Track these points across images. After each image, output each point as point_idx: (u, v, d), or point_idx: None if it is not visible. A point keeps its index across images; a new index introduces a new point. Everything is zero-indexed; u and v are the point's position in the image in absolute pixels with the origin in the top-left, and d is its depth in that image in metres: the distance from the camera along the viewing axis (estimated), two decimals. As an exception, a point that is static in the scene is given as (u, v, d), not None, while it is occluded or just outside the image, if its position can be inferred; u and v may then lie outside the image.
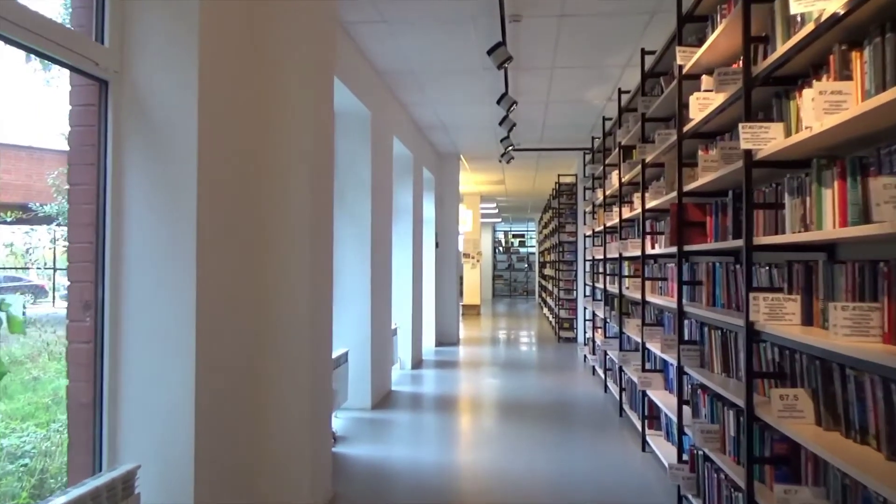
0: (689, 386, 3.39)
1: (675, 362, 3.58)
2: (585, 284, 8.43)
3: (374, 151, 5.66)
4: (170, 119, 2.59)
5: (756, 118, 2.66)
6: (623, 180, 5.30)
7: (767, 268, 2.61)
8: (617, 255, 5.60)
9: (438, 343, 9.91)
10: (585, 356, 8.31)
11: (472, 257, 15.97)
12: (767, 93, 2.55)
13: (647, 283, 4.48)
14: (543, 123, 7.87)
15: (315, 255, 3.24)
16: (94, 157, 2.59)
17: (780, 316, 2.25)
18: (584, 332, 8.40)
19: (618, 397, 5.50)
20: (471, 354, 9.08)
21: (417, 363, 8.08)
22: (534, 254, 23.92)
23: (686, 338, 3.50)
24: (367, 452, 4.43)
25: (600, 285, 6.81)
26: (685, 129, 3.41)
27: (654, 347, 4.13)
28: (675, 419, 3.61)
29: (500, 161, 9.88)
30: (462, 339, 10.80)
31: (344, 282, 5.50)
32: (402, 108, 7.02)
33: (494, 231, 24.91)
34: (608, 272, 6.42)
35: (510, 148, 7.62)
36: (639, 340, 4.58)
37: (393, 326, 7.41)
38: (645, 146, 4.33)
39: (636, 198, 4.69)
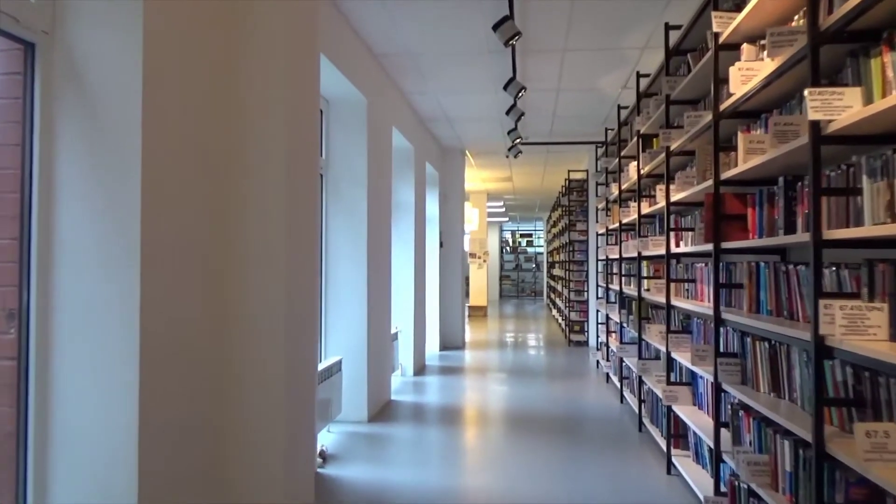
0: (729, 406, 2.93)
1: (709, 377, 3.11)
2: (598, 286, 7.96)
3: (371, 142, 5.22)
4: (109, 90, 2.15)
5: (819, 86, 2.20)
6: (642, 172, 4.83)
7: (834, 269, 2.14)
8: (635, 255, 5.14)
9: (443, 347, 9.46)
10: (598, 362, 7.83)
11: (479, 257, 15.51)
12: (836, 53, 2.09)
13: (671, 286, 4.02)
14: (553, 114, 7.41)
15: (292, 254, 2.80)
16: (19, 137, 2.16)
17: (861, 329, 1.79)
18: (597, 337, 7.94)
19: (637, 410, 5.03)
20: (477, 359, 8.62)
21: (420, 369, 7.63)
22: (542, 254, 23.46)
23: (723, 349, 3.04)
24: (360, 474, 3.98)
25: (615, 287, 6.34)
26: (722, 107, 2.94)
27: (682, 358, 3.66)
28: (707, 441, 3.14)
29: (507, 157, 9.42)
30: (468, 342, 10.35)
31: (338, 283, 5.06)
32: (402, 97, 6.57)
33: (501, 230, 24.44)
34: (624, 273, 5.96)
35: (518, 141, 7.15)
36: (661, 348, 4.12)
37: (394, 330, 6.97)
38: (669, 132, 3.87)
39: (658, 190, 4.22)
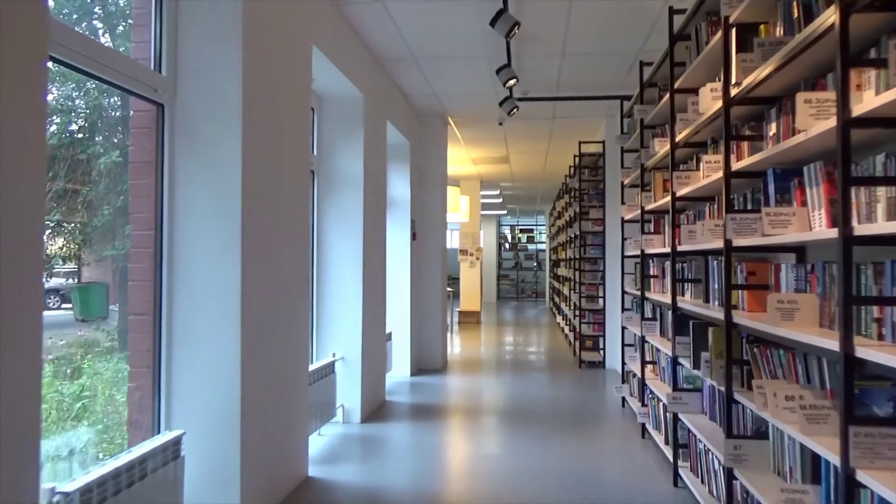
0: None
1: None
2: (623, 292, 5.76)
3: (255, 55, 3.00)
4: None
5: None
6: (735, 93, 2.63)
7: None
8: (715, 246, 2.95)
9: (417, 370, 7.28)
10: (624, 399, 5.64)
11: (471, 254, 13.28)
12: None
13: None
14: (562, 51, 5.21)
15: None
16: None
17: None
18: (622, 363, 5.75)
19: (718, 522, 2.84)
20: (460, 389, 6.43)
21: (374, 411, 5.43)
22: (543, 250, 21.30)
23: None
24: None
25: (658, 297, 4.16)
26: None
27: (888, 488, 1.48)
28: None
29: (500, 123, 7.26)
30: (451, 362, 8.15)
31: (192, 295, 2.86)
32: (331, 3, 4.37)
33: (499, 225, 22.26)
34: (679, 277, 3.76)
35: (512, 83, 4.94)
36: (790, 433, 1.94)
37: (330, 360, 4.80)
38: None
39: (804, 105, 2.01)
